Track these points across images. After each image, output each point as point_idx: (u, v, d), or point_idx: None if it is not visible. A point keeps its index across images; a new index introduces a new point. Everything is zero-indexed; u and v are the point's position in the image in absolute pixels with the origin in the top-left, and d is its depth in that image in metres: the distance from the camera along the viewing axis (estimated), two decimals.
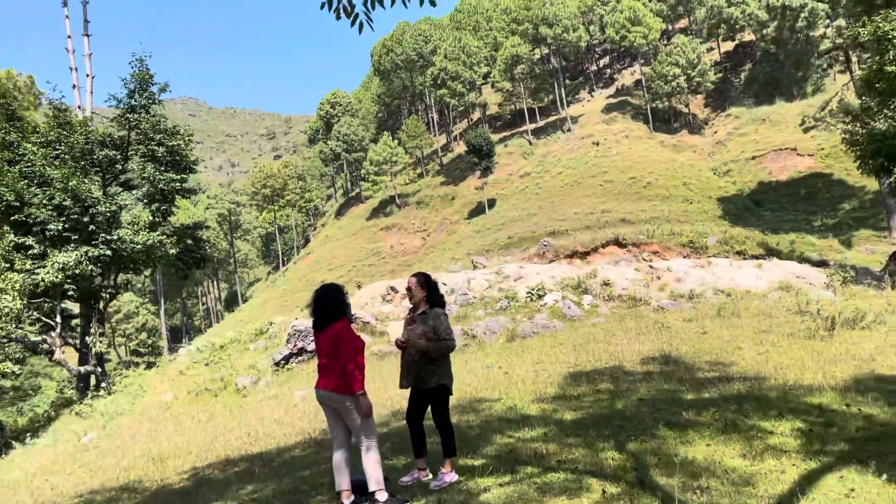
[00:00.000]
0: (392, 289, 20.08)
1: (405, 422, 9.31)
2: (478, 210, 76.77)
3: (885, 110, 19.31)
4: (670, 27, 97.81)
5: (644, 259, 25.29)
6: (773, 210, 64.15)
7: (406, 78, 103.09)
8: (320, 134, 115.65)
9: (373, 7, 5.33)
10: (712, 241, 27.59)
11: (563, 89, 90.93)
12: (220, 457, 9.44)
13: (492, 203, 75.66)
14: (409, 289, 6.74)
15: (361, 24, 5.44)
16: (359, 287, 21.40)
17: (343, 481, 6.06)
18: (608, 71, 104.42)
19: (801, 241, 47.37)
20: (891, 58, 18.76)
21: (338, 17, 5.34)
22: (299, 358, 15.11)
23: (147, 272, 36.08)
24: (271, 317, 32.18)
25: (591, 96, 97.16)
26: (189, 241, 26.10)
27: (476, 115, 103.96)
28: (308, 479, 7.18)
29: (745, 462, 6.26)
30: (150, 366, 35.79)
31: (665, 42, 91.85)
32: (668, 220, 55.96)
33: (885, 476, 5.66)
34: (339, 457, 6.12)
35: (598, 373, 10.85)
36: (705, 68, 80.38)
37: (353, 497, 6.09)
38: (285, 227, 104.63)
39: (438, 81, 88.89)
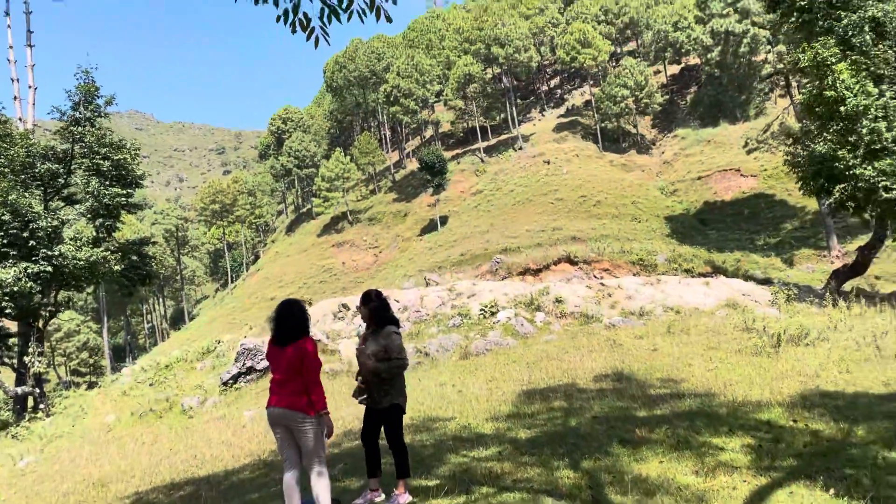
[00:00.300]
0: (344, 306, 19.85)
1: (359, 442, 9.16)
2: (430, 227, 76.87)
3: (825, 133, 20.02)
4: (619, 50, 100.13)
5: (595, 276, 25.66)
6: (719, 229, 65.77)
7: (359, 94, 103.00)
8: (271, 149, 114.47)
9: (329, 21, 5.27)
10: (661, 259, 28.20)
11: (514, 108, 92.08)
12: (165, 481, 9.11)
13: (444, 220, 75.86)
14: (358, 307, 6.66)
15: (317, 39, 5.37)
16: (310, 304, 21.10)
17: None
18: (559, 91, 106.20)
19: (745, 260, 48.66)
20: (829, 83, 19.49)
21: (293, 31, 5.26)
22: (248, 377, 14.77)
23: (90, 289, 34.92)
24: (219, 335, 31.46)
25: (543, 116, 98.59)
26: (134, 258, 25.39)
27: (429, 133, 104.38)
28: (257, 503, 6.97)
29: (697, 479, 6.31)
30: (91, 386, 34.58)
31: (614, 64, 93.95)
32: (617, 238, 56.90)
33: (832, 491, 5.77)
34: (290, 478, 5.96)
35: (552, 390, 10.87)
36: (652, 90, 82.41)
37: None
38: (234, 243, 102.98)
39: (391, 98, 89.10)
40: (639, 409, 9.10)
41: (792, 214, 64.00)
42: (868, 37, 20.23)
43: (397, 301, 19.44)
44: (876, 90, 19.38)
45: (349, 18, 5.30)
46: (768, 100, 77.70)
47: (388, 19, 5.47)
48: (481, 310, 17.94)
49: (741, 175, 74.02)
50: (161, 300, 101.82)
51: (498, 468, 6.97)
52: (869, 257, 22.72)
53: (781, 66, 60.71)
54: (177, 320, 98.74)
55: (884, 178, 18.83)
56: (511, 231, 64.98)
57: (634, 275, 25.06)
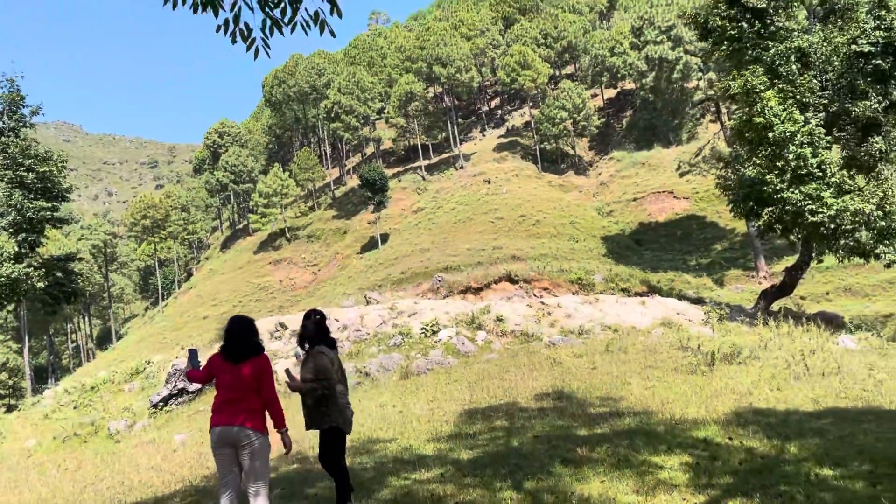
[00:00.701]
0: (281, 325, 19.42)
1: (297, 465, 8.90)
2: (370, 245, 76.38)
3: (755, 158, 20.81)
4: (557, 73, 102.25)
5: (535, 295, 25.88)
6: (653, 249, 67.38)
7: (298, 110, 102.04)
8: (207, 164, 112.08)
9: (271, 33, 5.13)
10: (599, 278, 28.67)
11: (455, 127, 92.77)
12: None
13: (385, 238, 75.54)
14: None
15: (258, 50, 5.22)
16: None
17: None
18: (499, 111, 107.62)
19: (678, 280, 50.04)
20: (758, 110, 20.28)
21: (234, 41, 5.10)
22: (179, 399, 14.20)
23: (10, 307, 33.28)
24: (149, 355, 30.29)
25: (483, 135, 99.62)
26: (59, 274, 24.35)
27: (370, 150, 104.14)
28: None
29: (638, 498, 6.32)
30: (10, 409, 32.80)
31: (553, 86, 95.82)
32: (556, 257, 57.71)
33: None
34: (228, 502, 5.70)
35: (494, 410, 10.81)
36: (590, 113, 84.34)
37: None
38: (166, 260, 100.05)
39: (332, 115, 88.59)
40: (579, 427, 9.12)
41: (722, 236, 66.06)
42: (794, 66, 21.17)
43: (337, 320, 19.14)
44: (802, 117, 20.26)
45: (292, 31, 5.18)
46: (700, 125, 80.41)
47: (332, 34, 5.37)
48: (422, 329, 17.82)
49: (674, 197, 76.13)
50: (87, 319, 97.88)
51: (440, 490, 6.84)
52: (796, 278, 23.61)
53: (712, 92, 63.06)
54: (103, 340, 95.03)
55: (809, 202, 19.64)
56: (452, 250, 65.12)
57: (573, 293, 25.39)
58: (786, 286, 23.95)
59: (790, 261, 56.06)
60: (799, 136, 19.99)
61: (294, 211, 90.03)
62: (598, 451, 7.76)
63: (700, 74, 76.84)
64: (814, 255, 22.97)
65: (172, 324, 76.89)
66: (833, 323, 23.65)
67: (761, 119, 20.22)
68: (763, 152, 20.65)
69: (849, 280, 49.77)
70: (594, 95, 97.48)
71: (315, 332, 6.54)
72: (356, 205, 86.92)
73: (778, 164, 20.11)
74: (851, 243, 19.99)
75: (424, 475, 7.55)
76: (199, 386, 14.38)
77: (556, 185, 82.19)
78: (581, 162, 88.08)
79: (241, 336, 5.83)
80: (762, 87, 20.40)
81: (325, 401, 6.26)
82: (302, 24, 5.13)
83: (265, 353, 6.05)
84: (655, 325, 18.37)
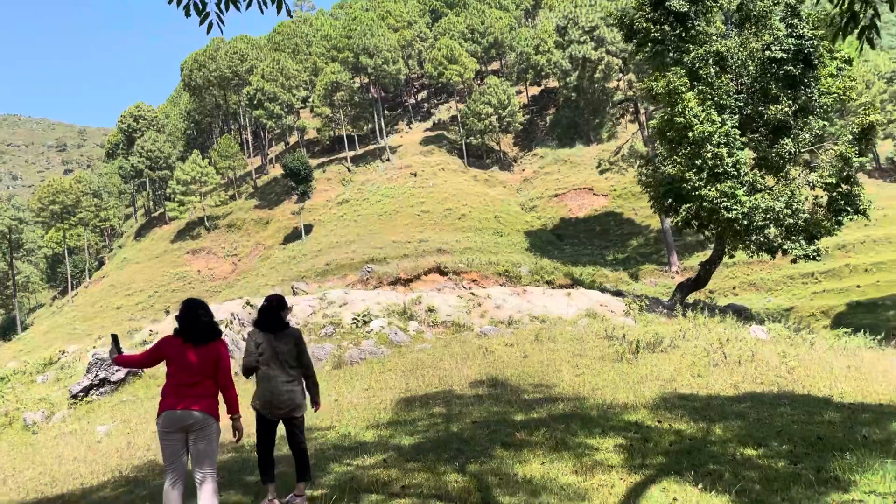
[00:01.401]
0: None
1: (232, 454, 8.77)
2: (294, 235, 75.19)
3: (675, 156, 21.68)
4: (484, 68, 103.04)
5: (464, 287, 26.17)
6: (573, 244, 69.01)
7: (219, 95, 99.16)
8: (121, 148, 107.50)
9: (227, 9, 5.04)
10: (525, 271, 29.23)
11: (382, 119, 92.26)
12: (11, 501, 8.21)
13: (308, 229, 74.48)
14: None
15: (211, 24, 5.12)
16: (167, 312, 19.93)
17: None
18: (426, 105, 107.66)
19: (597, 273, 51.55)
20: (679, 110, 21.14)
21: (188, 14, 4.98)
22: (101, 389, 13.64)
23: None
24: (59, 346, 28.88)
25: (410, 128, 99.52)
26: None
27: (294, 139, 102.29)
28: None
29: (578, 478, 6.56)
30: None
31: (479, 82, 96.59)
32: (481, 250, 58.40)
33: (700, 486, 6.17)
34: (176, 492, 5.57)
35: (430, 397, 10.92)
36: (515, 109, 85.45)
37: None
38: (76, 247, 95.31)
39: (255, 102, 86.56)
40: (516, 413, 9.34)
41: (638, 232, 68.28)
42: (713, 69, 22.14)
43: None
44: (719, 119, 21.23)
45: (248, 7, 5.10)
46: (619, 124, 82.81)
47: (289, 13, 5.33)
48: (354, 319, 17.75)
49: (594, 194, 78.16)
50: None
51: (384, 475, 6.89)
52: (710, 272, 24.75)
53: (632, 93, 65.09)
54: (7, 330, 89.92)
55: (724, 199, 20.62)
56: (378, 242, 64.88)
57: (501, 285, 25.81)
58: (700, 279, 25.07)
59: (700, 257, 58.75)
60: (716, 136, 20.95)
61: (214, 199, 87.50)
62: (536, 435, 7.98)
63: (620, 75, 79.12)
64: (726, 250, 24.12)
65: (83, 314, 73.58)
66: (742, 315, 24.95)
67: (682, 119, 21.08)
68: (683, 151, 21.53)
69: (753, 276, 52.48)
70: (519, 92, 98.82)
71: (259, 314, 6.66)
72: (279, 195, 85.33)
73: (696, 162, 21.02)
74: (762, 239, 21.11)
75: (367, 461, 7.58)
76: (121, 376, 13.87)
77: (481, 180, 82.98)
78: (506, 158, 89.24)
79: (198, 318, 5.71)
80: (683, 89, 21.27)
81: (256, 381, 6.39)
82: (259, 2, 5.07)
83: (223, 337, 5.96)
84: (581, 316, 18.90)
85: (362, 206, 77.44)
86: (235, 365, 10.84)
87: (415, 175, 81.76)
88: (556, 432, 8.01)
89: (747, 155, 21.29)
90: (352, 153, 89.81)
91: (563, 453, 7.31)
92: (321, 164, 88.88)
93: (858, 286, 44.91)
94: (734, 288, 51.64)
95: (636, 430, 8.02)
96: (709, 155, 20.69)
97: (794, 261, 21.81)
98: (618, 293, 26.77)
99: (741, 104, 22.02)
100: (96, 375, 13.57)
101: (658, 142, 25.02)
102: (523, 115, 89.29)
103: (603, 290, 26.61)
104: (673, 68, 22.11)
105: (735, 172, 20.79)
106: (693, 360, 12.60)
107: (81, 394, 13.51)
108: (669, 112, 21.64)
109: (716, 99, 21.61)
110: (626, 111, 78.77)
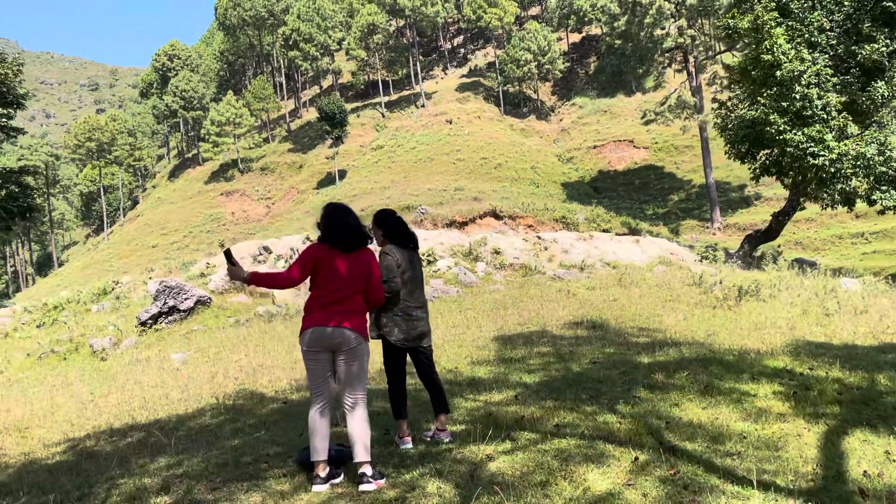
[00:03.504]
0: (265, 249, 18.26)
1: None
2: (328, 180, 74.46)
3: (759, 98, 20.29)
4: (523, 13, 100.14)
5: (518, 231, 25.28)
6: (611, 197, 67.53)
7: (254, 35, 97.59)
8: (154, 88, 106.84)
9: None
10: (581, 217, 28.24)
11: (417, 64, 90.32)
12: (100, 426, 7.64)
13: (342, 174, 73.67)
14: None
15: None
16: (222, 246, 19.33)
17: (322, 450, 4.80)
18: (462, 50, 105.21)
19: (639, 228, 50.24)
20: (767, 47, 19.68)
21: None
22: (170, 318, 13.09)
23: None
24: (95, 281, 28.60)
25: (445, 74, 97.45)
26: (14, 188, 22.42)
27: (328, 82, 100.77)
28: (244, 450, 5.77)
29: (754, 426, 5.73)
30: None
31: (518, 27, 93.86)
32: (515, 200, 57.25)
33: None
34: (325, 420, 4.85)
35: (528, 336, 10.15)
36: (555, 56, 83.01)
37: (328, 469, 4.84)
38: (110, 186, 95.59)
39: (290, 42, 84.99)
40: (636, 354, 8.52)
41: (679, 187, 66.61)
42: (803, 3, 20.56)
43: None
44: (810, 57, 19.77)
45: None
46: (664, 74, 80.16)
47: None
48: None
49: (634, 146, 76.26)
50: (26, 244, 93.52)
51: (524, 412, 6.14)
52: (782, 223, 23.54)
53: (682, 39, 62.46)
54: (43, 266, 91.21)
55: (811, 145, 19.31)
56: (412, 189, 63.92)
57: (556, 231, 24.86)
58: (771, 231, 23.90)
59: (744, 214, 57.18)
60: (806, 76, 19.54)
61: (247, 142, 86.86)
62: (678, 378, 7.16)
63: (672, 20, 76.11)
64: (801, 200, 22.88)
65: (119, 251, 74.02)
66: (814, 269, 23.81)
67: (769, 57, 19.64)
68: (768, 92, 20.14)
69: (799, 234, 50.90)
70: (559, 39, 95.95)
71: (394, 228, 5.74)
72: (313, 139, 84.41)
73: (783, 104, 19.65)
74: (847, 189, 19.85)
75: (496, 397, 6.84)
76: (190, 304, 13.28)
77: (517, 129, 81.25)
78: (543, 107, 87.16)
79: (350, 222, 4.89)
80: (772, 24, 19.77)
81: (384, 306, 5.48)
82: None
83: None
84: (654, 264, 17.96)
85: (396, 153, 76.27)
86: None
87: (450, 122, 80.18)
88: (700, 376, 7.18)
89: (836, 98, 19.85)
90: (386, 98, 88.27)
91: (717, 398, 6.48)
92: (355, 108, 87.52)
93: None
94: (779, 247, 50.17)
95: (789, 378, 7.16)
96: (797, 96, 19.31)
97: (881, 212, 20.53)
98: (686, 244, 25.74)
99: (833, 42, 20.48)
100: (165, 303, 12.99)
101: (731, 84, 23.57)
102: (563, 63, 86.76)
103: (668, 240, 25.54)
104: (762, 1, 20.54)
105: (824, 116, 19.42)
106: (804, 308, 11.66)
107: (150, 321, 12.96)
108: (755, 49, 20.16)
109: (806, 36, 20.10)
110: (673, 59, 76.12)
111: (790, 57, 19.52)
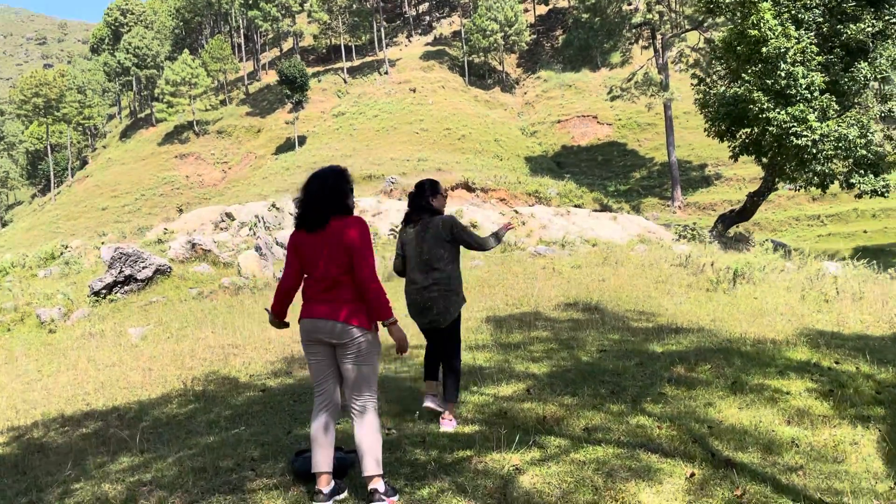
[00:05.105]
0: (227, 215, 17.17)
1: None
2: (287, 146, 72.46)
3: (743, 75, 19.79)
4: None
5: (492, 205, 24.60)
6: (574, 173, 67.03)
7: None
8: (106, 44, 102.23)
9: None
10: (553, 192, 27.64)
11: (381, 30, 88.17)
12: (49, 412, 6.68)
13: (302, 140, 71.74)
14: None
15: None
16: (181, 211, 18.17)
17: (324, 460, 4.01)
18: (427, 18, 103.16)
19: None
20: (753, 22, 19.14)
21: None
22: (126, 288, 12.00)
23: None
24: (41, 244, 26.95)
25: (409, 41, 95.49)
26: None
27: (288, 45, 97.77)
28: (222, 451, 4.92)
29: (802, 431, 5.12)
30: None
31: None
32: (478, 172, 56.43)
33: None
34: (324, 422, 4.05)
35: (519, 319, 9.45)
36: (521, 28, 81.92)
37: (333, 483, 4.07)
38: (58, 145, 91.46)
39: (250, 2, 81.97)
40: (645, 342, 7.88)
41: (641, 164, 66.69)
42: None
43: (292, 214, 17.09)
44: (796, 34, 19.32)
45: None
46: (630, 50, 79.81)
47: None
48: (391, 230, 16.14)
49: (598, 122, 75.98)
50: None
51: (543, 411, 5.43)
52: (757, 203, 23.33)
53: (651, 15, 62.02)
54: None
55: (794, 125, 18.95)
56: (375, 158, 62.60)
57: (530, 206, 24.24)
58: (746, 211, 23.68)
59: (705, 193, 57.56)
60: (791, 53, 19.10)
61: (203, 103, 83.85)
62: (700, 371, 6.54)
63: None
64: (777, 181, 22.65)
65: (67, 213, 71.01)
66: (785, 251, 23.73)
67: (755, 32, 19.12)
68: (752, 69, 19.67)
69: (758, 216, 51.34)
70: (525, 11, 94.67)
71: (409, 204, 5.64)
72: (272, 102, 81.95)
73: (767, 82, 19.20)
74: (825, 171, 19.61)
75: (505, 391, 6.12)
76: (149, 274, 12.17)
77: (482, 101, 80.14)
78: (508, 79, 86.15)
79: (316, 192, 4.05)
80: None
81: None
82: None
83: (354, 215, 4.23)
84: (635, 242, 17.46)
85: (358, 120, 74.55)
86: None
87: (414, 91, 78.62)
88: (724, 369, 6.58)
89: (820, 78, 19.49)
90: (348, 64, 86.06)
91: (749, 396, 5.87)
92: (316, 73, 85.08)
93: (865, 231, 43.94)
94: (737, 226, 50.69)
95: (818, 373, 6.59)
96: (782, 74, 18.86)
97: (859, 196, 20.39)
98: (661, 223, 25.38)
99: (819, 20, 20.05)
100: (121, 272, 11.88)
101: (712, 60, 23.09)
102: (529, 35, 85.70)
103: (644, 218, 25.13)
104: None
105: (808, 96, 19.05)
106: (802, 293, 11.22)
107: (104, 291, 11.84)
108: (741, 24, 19.61)
109: (793, 12, 19.63)
110: (640, 36, 75.77)
111: (776, 33, 19.04)
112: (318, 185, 4.12)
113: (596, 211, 25.02)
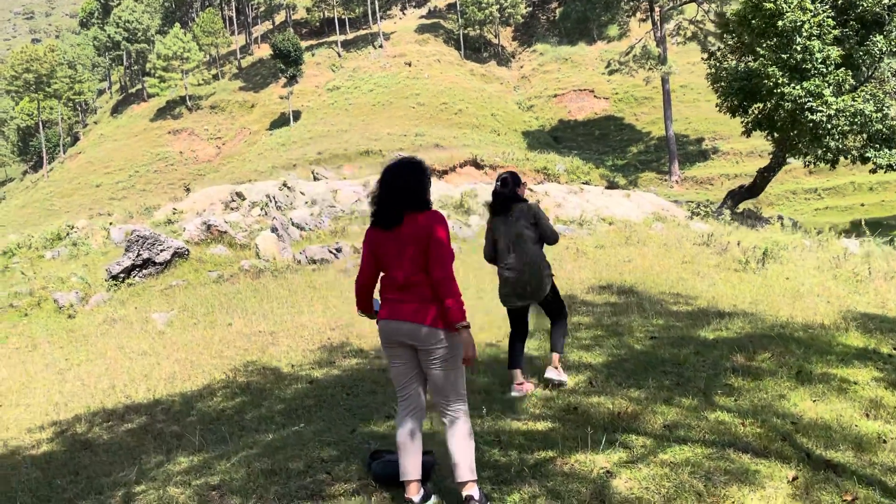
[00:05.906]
0: (238, 195, 16.83)
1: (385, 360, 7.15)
2: (281, 121, 71.63)
3: (758, 48, 19.46)
4: None
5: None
6: (571, 148, 66.62)
7: None
8: (95, 17, 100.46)
9: None
10: (561, 168, 27.35)
11: (375, 3, 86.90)
12: (90, 405, 6.45)
13: (297, 115, 70.92)
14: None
15: None
16: (188, 190, 17.82)
17: (413, 468, 3.81)
18: None
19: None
20: None
21: None
22: (144, 271, 11.71)
23: None
24: (38, 222, 26.57)
25: (404, 14, 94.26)
26: None
27: (281, 18, 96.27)
28: (288, 451, 4.71)
29: (885, 426, 4.97)
30: None
31: None
32: (479, 148, 55.95)
33: None
34: (410, 428, 3.85)
35: None
36: (517, 0, 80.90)
37: (423, 491, 3.87)
38: (48, 121, 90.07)
39: None
40: (692, 328, 7.70)
41: (638, 139, 66.30)
42: None
43: (303, 193, 16.76)
44: (812, 7, 18.99)
45: None
46: (628, 23, 78.95)
47: None
48: None
49: (595, 96, 75.35)
50: None
51: (614, 406, 5.24)
52: (767, 179, 23.14)
53: None
54: None
55: (810, 100, 18.69)
56: (371, 133, 61.95)
57: (538, 183, 23.97)
58: (756, 187, 23.50)
59: (702, 167, 57.34)
60: (807, 26, 18.78)
61: (196, 78, 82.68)
62: (761, 360, 6.38)
63: None
64: (787, 156, 22.45)
65: (60, 190, 70.14)
66: (796, 227, 23.61)
67: (771, 5, 18.77)
68: (767, 42, 19.34)
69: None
70: None
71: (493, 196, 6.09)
72: (265, 77, 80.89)
73: (783, 56, 18.90)
74: (839, 146, 19.40)
75: (567, 382, 5.94)
76: (167, 257, 11.87)
77: (478, 75, 79.32)
78: (504, 52, 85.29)
79: (394, 186, 3.82)
80: None
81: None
82: None
83: (433, 210, 3.98)
84: (651, 221, 17.24)
85: (354, 95, 73.72)
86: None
87: (409, 65, 77.71)
88: (785, 357, 6.41)
89: (836, 52, 19.20)
90: (342, 37, 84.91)
91: (818, 387, 5.71)
92: (310, 46, 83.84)
93: (863, 205, 43.95)
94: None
95: (881, 360, 6.44)
96: (798, 48, 18.56)
97: (873, 171, 20.22)
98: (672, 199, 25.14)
99: None
100: (138, 255, 11.58)
101: (723, 34, 22.73)
102: (525, 8, 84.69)
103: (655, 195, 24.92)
104: None
105: (823, 70, 18.78)
106: (834, 273, 11.06)
107: (122, 275, 11.57)
108: None
109: None
110: (637, 8, 74.95)
111: (792, 6, 18.71)
112: (392, 179, 3.88)
113: (607, 188, 24.77)
